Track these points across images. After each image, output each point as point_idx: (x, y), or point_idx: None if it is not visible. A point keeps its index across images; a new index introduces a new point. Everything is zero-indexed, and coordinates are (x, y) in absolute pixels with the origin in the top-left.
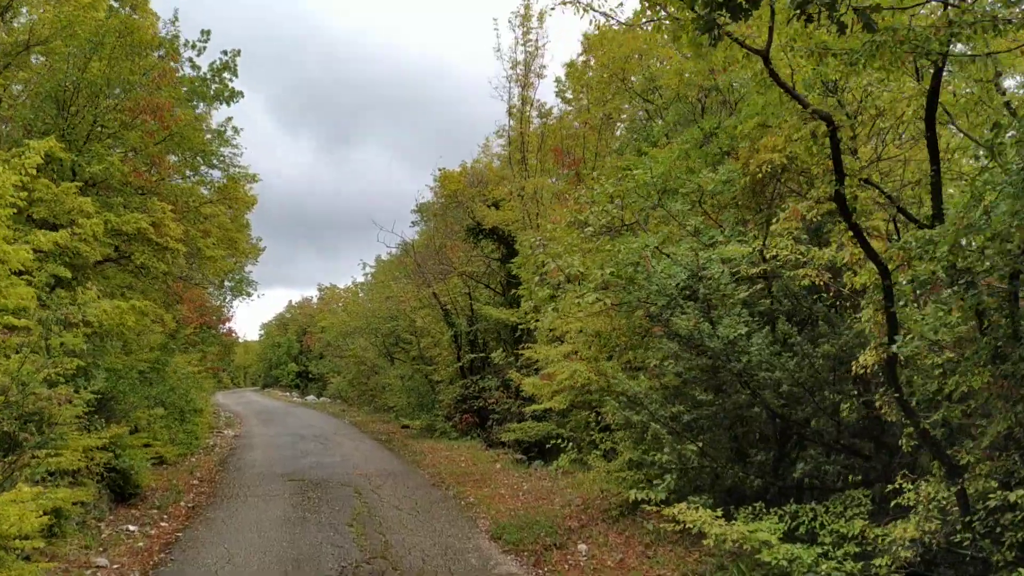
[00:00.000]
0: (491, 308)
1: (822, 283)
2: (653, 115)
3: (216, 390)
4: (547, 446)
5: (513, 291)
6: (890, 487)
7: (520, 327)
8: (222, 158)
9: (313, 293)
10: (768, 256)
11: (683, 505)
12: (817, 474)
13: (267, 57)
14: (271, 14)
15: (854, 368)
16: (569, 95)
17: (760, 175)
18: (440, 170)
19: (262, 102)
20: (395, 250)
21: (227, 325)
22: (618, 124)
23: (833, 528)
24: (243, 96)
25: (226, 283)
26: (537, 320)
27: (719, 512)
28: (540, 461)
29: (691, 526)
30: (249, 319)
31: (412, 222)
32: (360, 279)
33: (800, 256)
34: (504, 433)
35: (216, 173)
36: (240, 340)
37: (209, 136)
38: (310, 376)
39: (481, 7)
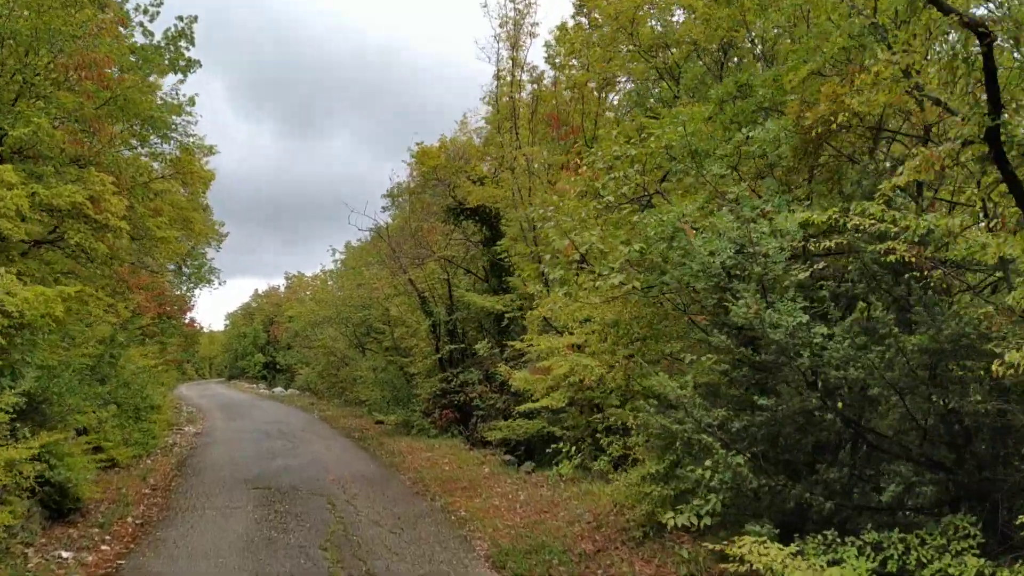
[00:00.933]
0: (474, 295)
1: (912, 259)
2: (663, 74)
3: (180, 382)
4: (546, 448)
5: (505, 277)
6: (1021, 518)
7: (507, 316)
8: (174, 127)
9: (280, 282)
10: (849, 225)
11: (749, 539)
12: (907, 495)
13: (223, 41)
14: None
15: (996, 369)
16: (560, 61)
17: (819, 131)
18: (417, 144)
19: (221, 89)
20: (366, 234)
21: (189, 315)
22: (613, 94)
23: (940, 568)
24: (200, 66)
25: (184, 269)
26: (523, 307)
27: (793, 548)
28: (530, 463)
29: (761, 568)
30: (214, 309)
31: (383, 207)
32: (329, 266)
33: (891, 225)
34: (489, 431)
35: (168, 146)
36: (205, 330)
37: (160, 103)
38: (278, 367)
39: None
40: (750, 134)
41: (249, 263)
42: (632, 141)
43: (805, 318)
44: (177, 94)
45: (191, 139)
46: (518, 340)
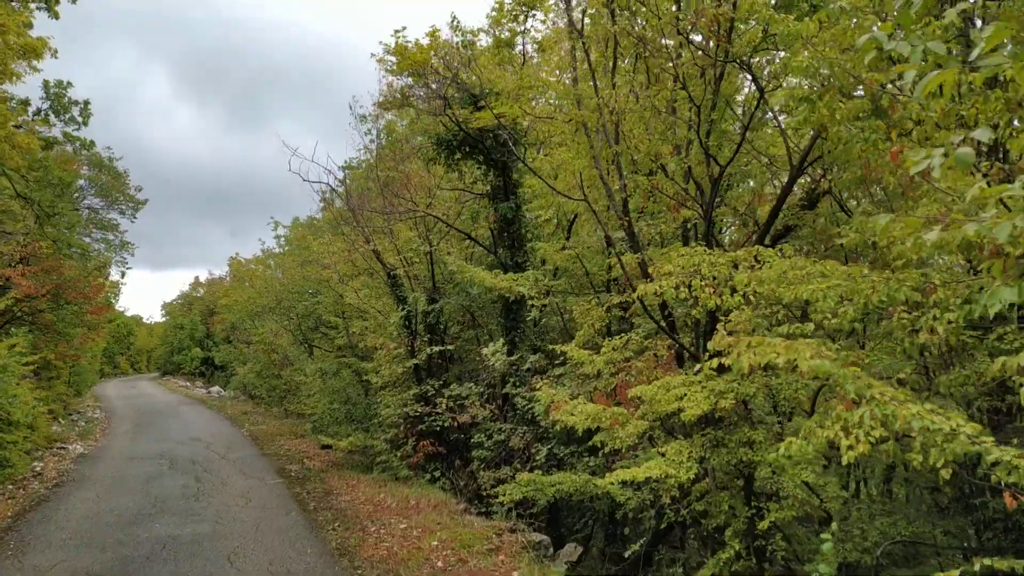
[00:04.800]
0: (479, 270)
1: None
2: None
3: (106, 378)
4: (577, 510)
5: (525, 246)
6: None
7: (532, 303)
8: None
9: (225, 271)
10: None
11: None
12: None
13: (163, 26)
14: None
15: None
16: None
17: None
18: (395, 34)
19: (164, 76)
20: (317, 202)
21: (97, 298)
22: None
23: None
24: None
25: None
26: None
27: None
28: (573, 546)
29: None
30: (158, 299)
31: (340, 180)
32: (271, 244)
33: None
34: (503, 490)
35: None
36: (146, 320)
37: None
38: (216, 364)
39: None
40: None
41: (198, 254)
42: None
43: None
44: None
45: None
46: (562, 344)
